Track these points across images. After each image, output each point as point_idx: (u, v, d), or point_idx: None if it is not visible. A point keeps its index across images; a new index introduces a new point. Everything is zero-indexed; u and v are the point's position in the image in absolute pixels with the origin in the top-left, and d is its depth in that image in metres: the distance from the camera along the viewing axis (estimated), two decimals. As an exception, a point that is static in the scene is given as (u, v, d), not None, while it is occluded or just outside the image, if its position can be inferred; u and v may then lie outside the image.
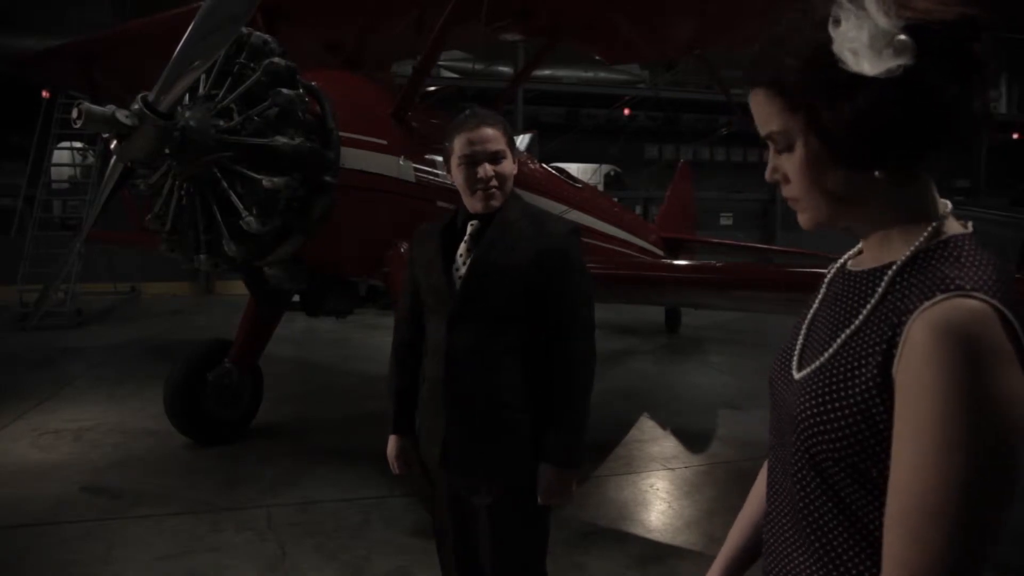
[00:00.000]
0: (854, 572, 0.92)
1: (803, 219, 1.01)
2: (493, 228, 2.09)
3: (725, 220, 18.64)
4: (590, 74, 17.01)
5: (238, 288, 5.47)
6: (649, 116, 17.69)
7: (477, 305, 2.06)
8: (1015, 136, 20.11)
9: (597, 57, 6.29)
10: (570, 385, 2.05)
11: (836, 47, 0.86)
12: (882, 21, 0.84)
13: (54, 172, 12.00)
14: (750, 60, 0.98)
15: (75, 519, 3.84)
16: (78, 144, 12.44)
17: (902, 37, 0.83)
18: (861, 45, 0.84)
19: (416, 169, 4.25)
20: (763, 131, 0.99)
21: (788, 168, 0.97)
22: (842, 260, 1.09)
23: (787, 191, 1.00)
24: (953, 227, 0.94)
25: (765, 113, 0.97)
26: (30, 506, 3.98)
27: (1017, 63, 20.52)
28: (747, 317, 10.12)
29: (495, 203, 2.09)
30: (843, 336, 0.95)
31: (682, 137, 18.26)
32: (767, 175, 1.02)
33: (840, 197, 0.95)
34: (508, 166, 2.10)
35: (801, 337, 1.05)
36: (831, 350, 0.95)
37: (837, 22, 0.86)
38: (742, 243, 11.63)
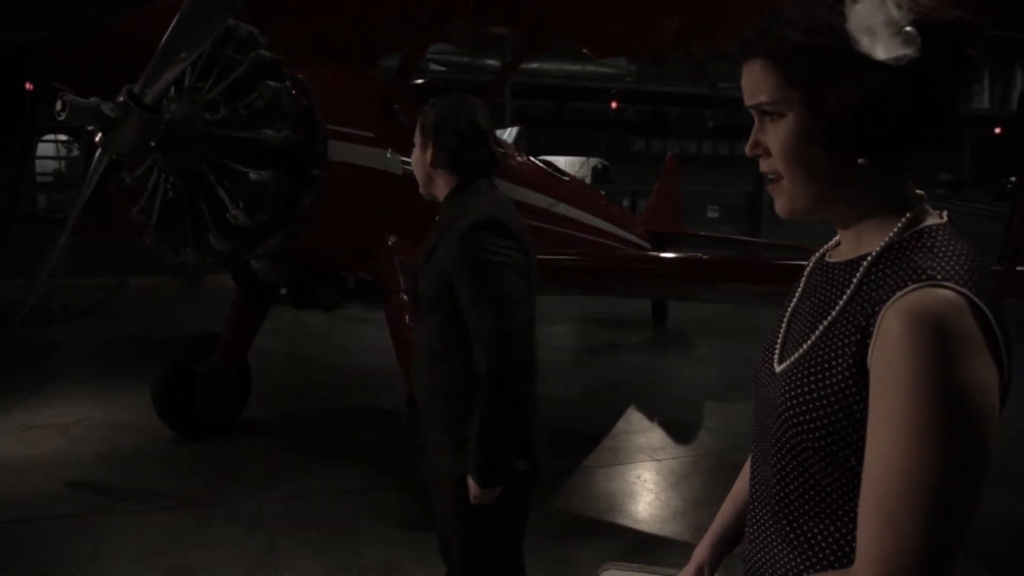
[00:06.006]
0: (832, 559, 0.94)
1: (780, 204, 1.00)
2: (435, 223, 2.12)
3: (712, 213, 18.71)
4: (578, 67, 17.02)
5: (226, 282, 5.46)
6: (636, 110, 17.73)
7: (419, 303, 2.10)
8: (998, 131, 20.29)
9: (584, 51, 6.29)
10: (482, 399, 1.90)
11: (853, 25, 0.87)
12: (894, 11, 0.86)
13: (39, 165, 11.87)
14: (750, 32, 0.97)
15: (62, 515, 3.82)
16: (63, 137, 12.32)
17: (909, 29, 0.85)
18: (878, 26, 0.86)
19: (403, 162, 4.25)
20: (751, 101, 0.98)
21: (772, 141, 0.97)
22: (820, 252, 1.10)
23: (766, 164, 0.99)
24: (929, 218, 0.96)
25: (758, 83, 0.96)
26: (16, 502, 3.96)
27: (1000, 59, 20.69)
28: (733, 310, 10.16)
29: (420, 190, 2.18)
30: (821, 327, 0.96)
31: (669, 131, 18.31)
32: (747, 149, 1.01)
33: (821, 179, 0.95)
34: (413, 156, 2.15)
35: (782, 330, 1.07)
36: (809, 341, 0.97)
37: (855, 1, 0.88)
38: (728, 236, 11.67)
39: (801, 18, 0.92)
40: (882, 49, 0.86)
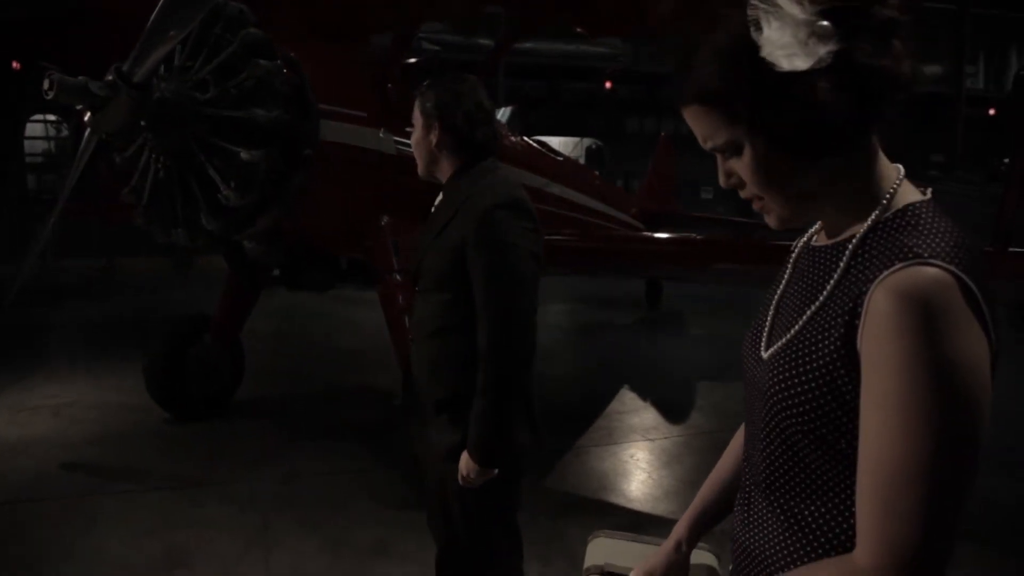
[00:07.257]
0: (823, 539, 0.94)
1: (771, 220, 0.99)
2: (439, 201, 2.12)
3: (706, 194, 18.65)
4: (572, 47, 16.90)
5: (218, 263, 5.44)
6: (631, 89, 17.65)
7: (421, 280, 2.10)
8: (991, 111, 20.27)
9: (579, 30, 6.24)
10: (485, 377, 1.91)
11: (767, 52, 0.85)
12: (798, 13, 0.84)
13: (28, 146, 11.79)
14: (675, 79, 0.96)
15: (55, 496, 3.82)
16: (52, 117, 12.21)
17: (822, 23, 0.83)
18: (790, 43, 0.84)
19: (397, 142, 4.22)
20: (706, 144, 0.97)
21: (741, 171, 0.96)
22: (806, 237, 1.09)
23: (746, 192, 0.99)
24: (910, 194, 0.95)
25: (703, 127, 0.96)
26: (9, 483, 3.96)
27: (992, 40, 20.64)
28: (727, 290, 10.19)
29: (419, 172, 2.17)
30: (809, 311, 0.95)
31: (663, 111, 18.24)
32: (722, 183, 1.00)
33: (800, 189, 0.94)
34: (413, 136, 2.14)
35: (770, 316, 1.06)
36: (798, 325, 0.96)
37: (759, 27, 0.86)
38: (722, 216, 11.67)
39: (719, 56, 0.90)
40: (801, 61, 0.84)
